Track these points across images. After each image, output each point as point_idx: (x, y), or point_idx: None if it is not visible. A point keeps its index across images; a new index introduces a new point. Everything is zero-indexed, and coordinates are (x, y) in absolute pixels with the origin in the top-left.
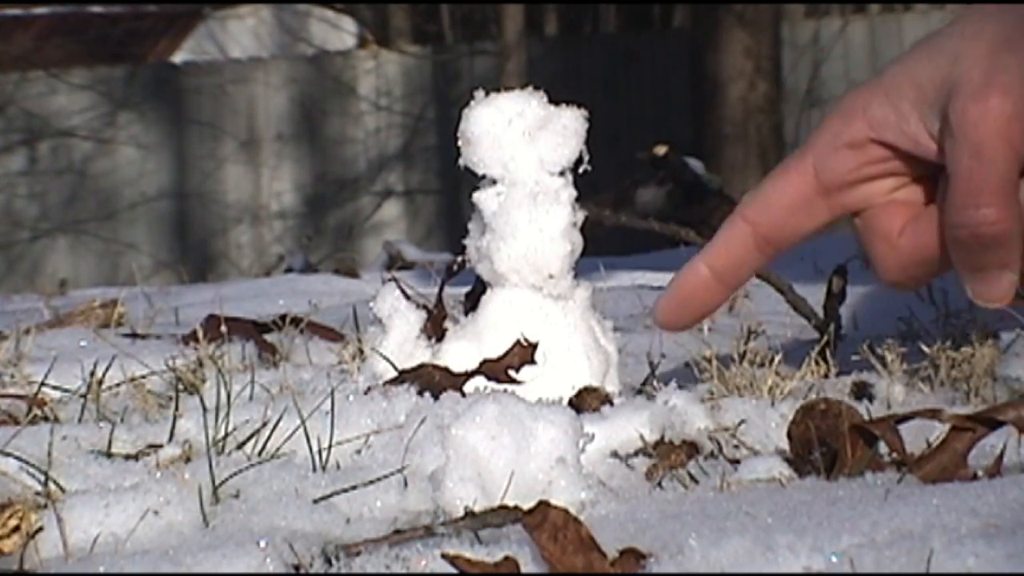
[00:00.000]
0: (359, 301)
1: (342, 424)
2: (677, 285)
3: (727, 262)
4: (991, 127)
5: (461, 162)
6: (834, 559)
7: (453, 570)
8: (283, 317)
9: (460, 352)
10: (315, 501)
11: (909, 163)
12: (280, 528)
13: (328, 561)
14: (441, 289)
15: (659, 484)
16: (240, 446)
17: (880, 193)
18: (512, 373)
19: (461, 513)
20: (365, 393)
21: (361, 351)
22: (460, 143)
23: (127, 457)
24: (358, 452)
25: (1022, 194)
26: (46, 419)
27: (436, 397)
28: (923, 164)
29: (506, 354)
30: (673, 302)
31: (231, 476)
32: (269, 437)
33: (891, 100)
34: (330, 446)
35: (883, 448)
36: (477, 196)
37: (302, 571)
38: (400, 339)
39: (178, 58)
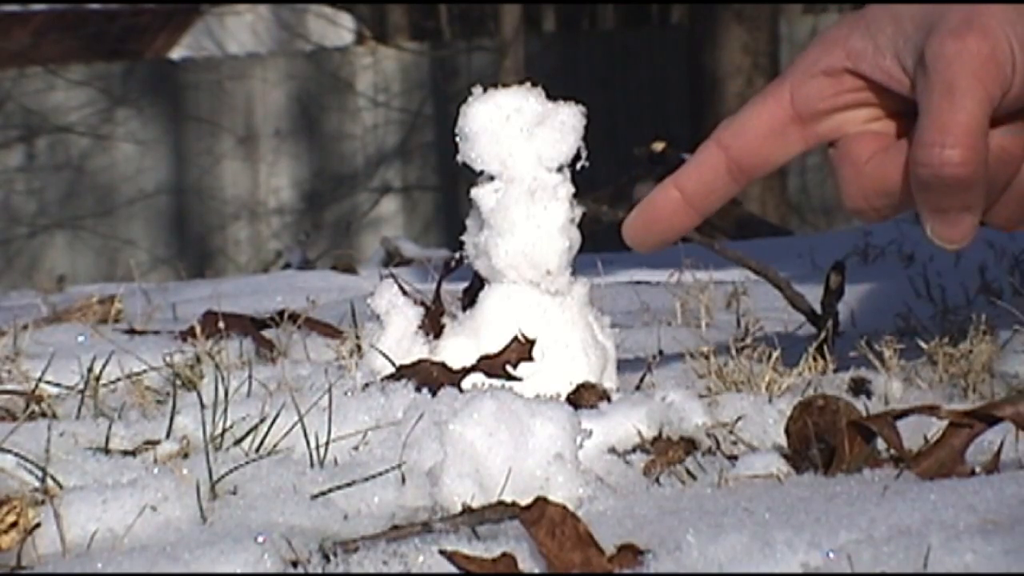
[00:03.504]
0: (357, 297)
1: (340, 420)
2: (646, 205)
3: (698, 185)
4: (966, 66)
5: (459, 158)
6: (832, 555)
7: (451, 566)
8: (281, 313)
9: (458, 348)
10: (313, 497)
11: (884, 96)
12: (278, 524)
13: (326, 557)
14: (439, 285)
15: (657, 480)
16: (238, 442)
17: (854, 123)
18: (510, 369)
19: (459, 509)
20: (363, 389)
21: (359, 347)
22: (458, 139)
23: (125, 453)
24: (356, 448)
25: (992, 142)
26: (44, 415)
27: (434, 393)
28: (898, 99)
29: (504, 350)
30: (640, 221)
31: (229, 472)
32: (267, 433)
33: (871, 32)
34: (328, 442)
35: (881, 444)
36: (475, 192)
37: (300, 567)
38: (398, 335)
39: (176, 54)
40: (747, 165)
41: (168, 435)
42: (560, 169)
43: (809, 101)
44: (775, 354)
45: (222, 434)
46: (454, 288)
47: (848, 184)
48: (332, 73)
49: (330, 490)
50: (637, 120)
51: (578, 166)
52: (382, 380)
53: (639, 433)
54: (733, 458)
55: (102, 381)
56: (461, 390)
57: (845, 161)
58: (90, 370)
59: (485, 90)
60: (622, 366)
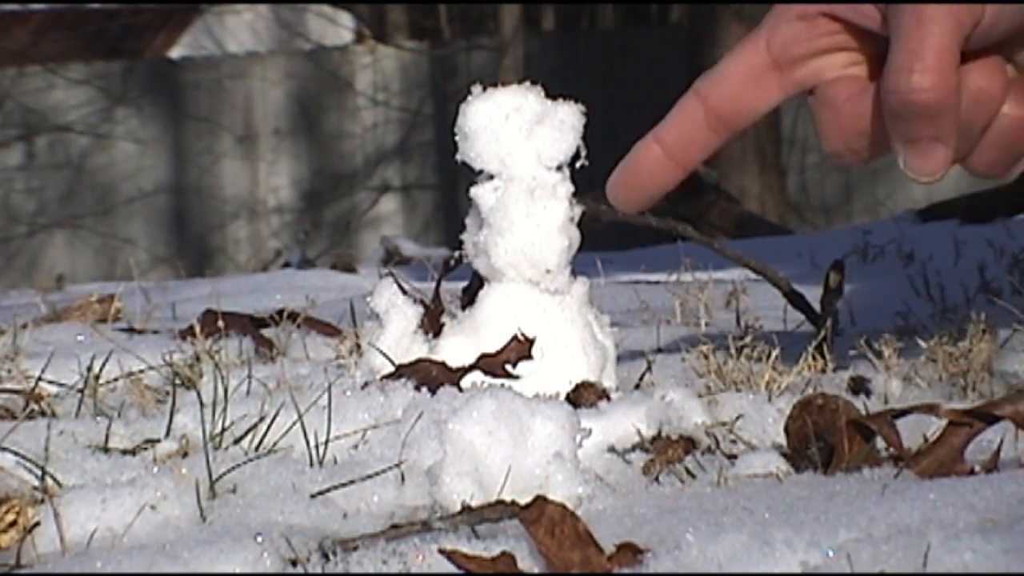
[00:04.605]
0: (356, 296)
1: (339, 419)
2: (628, 161)
3: (677, 138)
4: None
5: (458, 157)
6: (831, 554)
7: (450, 565)
8: (280, 312)
9: (457, 347)
10: (312, 496)
11: (860, 40)
12: (277, 523)
13: (325, 556)
14: (438, 284)
15: (656, 479)
16: (237, 441)
17: (831, 68)
18: (509, 368)
19: (458, 508)
20: (362, 388)
21: (358, 346)
22: (457, 138)
23: (124, 452)
24: (355, 447)
25: (969, 81)
26: (43, 414)
27: (433, 392)
28: (874, 43)
29: (503, 349)
30: (623, 178)
31: (228, 471)
32: (266, 432)
33: None
34: (327, 441)
35: (880, 443)
36: (474, 191)
37: (299, 566)
38: (397, 334)
39: (175, 53)
40: (726, 114)
41: (167, 434)
42: (559, 168)
43: (785, 47)
44: (774, 353)
45: (221, 433)
46: (453, 287)
47: (826, 126)
48: (331, 72)
49: (329, 489)
50: (636, 119)
51: (577, 165)
52: (381, 379)
53: (638, 432)
54: (732, 457)
55: (101, 380)
56: (460, 389)
57: (823, 104)
58: (89, 369)
59: (484, 89)
60: (621, 365)
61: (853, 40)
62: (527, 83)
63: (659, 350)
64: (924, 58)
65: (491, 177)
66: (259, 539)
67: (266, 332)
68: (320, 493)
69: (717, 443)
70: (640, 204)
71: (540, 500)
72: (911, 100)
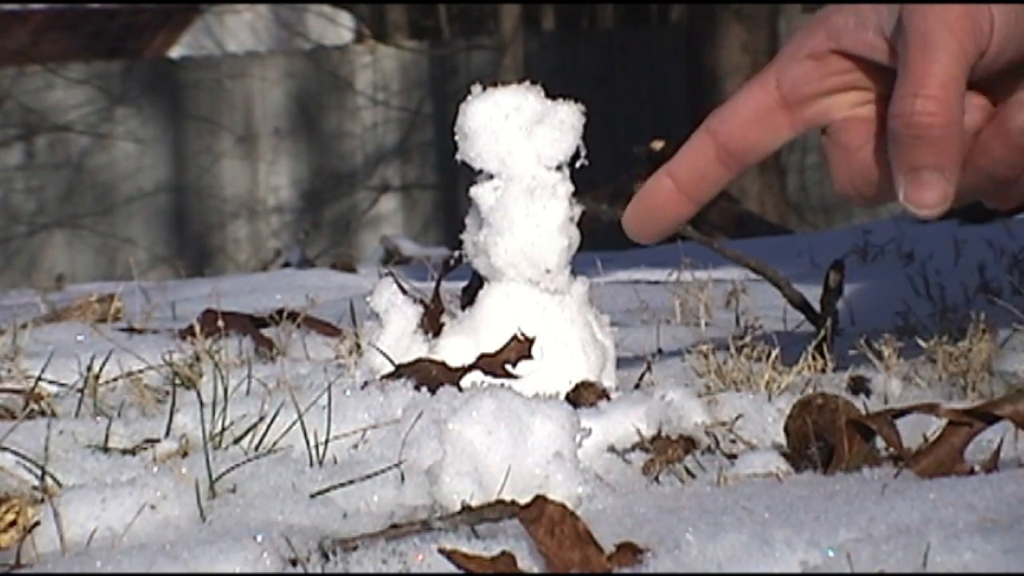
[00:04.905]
0: (356, 296)
1: (339, 419)
2: (641, 196)
3: (689, 173)
4: (940, 18)
5: (458, 157)
6: (831, 554)
7: (450, 565)
8: (280, 312)
9: (457, 347)
10: (312, 496)
11: (870, 77)
12: (277, 523)
13: (325, 556)
14: (438, 284)
15: (656, 479)
16: (237, 441)
17: (841, 107)
18: (509, 368)
19: (458, 508)
20: (362, 388)
21: (358, 346)
22: (457, 138)
23: (124, 452)
24: (355, 447)
25: (969, 110)
26: (43, 414)
27: (433, 392)
28: (884, 80)
29: (503, 349)
30: (637, 212)
31: (228, 471)
32: (266, 432)
33: (853, 9)
34: (327, 441)
35: (880, 443)
36: (474, 191)
37: (299, 566)
38: (397, 334)
39: (175, 53)
40: (736, 151)
41: (167, 434)
42: (559, 167)
43: (795, 85)
44: (774, 353)
45: (221, 433)
46: (453, 287)
47: (838, 169)
48: (331, 72)
49: (329, 489)
50: (636, 119)
51: (577, 164)
52: (381, 379)
53: (638, 432)
54: (732, 457)
55: (101, 380)
56: (460, 389)
57: (836, 148)
58: (89, 369)
59: (484, 89)
60: (621, 364)
61: (864, 78)
62: (527, 83)
63: (659, 350)
64: (928, 84)
65: (491, 177)
66: (259, 539)
67: (266, 332)
68: (320, 493)
69: (717, 443)
70: (655, 237)
71: (540, 500)
72: (914, 123)
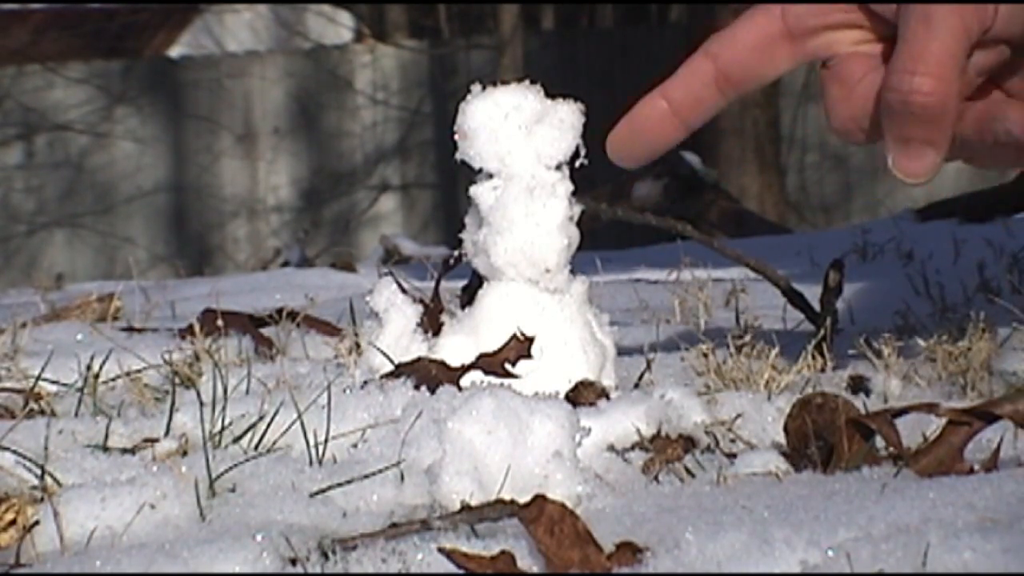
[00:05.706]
0: (355, 295)
1: (339, 418)
2: (632, 117)
3: (685, 95)
4: None
5: (458, 156)
6: (830, 553)
7: (449, 564)
8: (279, 311)
9: (456, 346)
10: (312, 495)
11: (873, 19)
12: (277, 522)
13: (324, 555)
14: (438, 283)
15: (655, 478)
16: (237, 440)
17: (843, 43)
18: (508, 367)
19: (457, 507)
20: (362, 387)
21: (358, 345)
22: (457, 137)
23: (123, 451)
24: (354, 446)
25: (968, 78)
26: (42, 413)
27: (433, 391)
28: (887, 24)
29: (503, 348)
30: (625, 132)
31: (228, 470)
32: (266, 431)
33: None
34: (327, 440)
35: (879, 442)
36: (474, 190)
37: (298, 565)
38: (397, 333)
39: (175, 52)
40: (735, 77)
41: (167, 433)
42: (559, 167)
43: (800, 17)
44: (774, 352)
45: (221, 432)
46: (453, 286)
47: (836, 103)
48: (331, 71)
49: (329, 488)
50: None
51: (577, 164)
52: (381, 378)
53: (638, 431)
54: (732, 456)
55: (101, 379)
56: (460, 388)
57: (836, 80)
58: (89, 368)
59: (484, 88)
60: (621, 364)
61: (867, 19)
62: (526, 82)
63: (658, 349)
64: (927, 61)
65: (491, 176)
66: (258, 538)
67: (265, 331)
68: (319, 492)
69: (716, 442)
70: (639, 159)
71: (539, 499)
72: (910, 101)
